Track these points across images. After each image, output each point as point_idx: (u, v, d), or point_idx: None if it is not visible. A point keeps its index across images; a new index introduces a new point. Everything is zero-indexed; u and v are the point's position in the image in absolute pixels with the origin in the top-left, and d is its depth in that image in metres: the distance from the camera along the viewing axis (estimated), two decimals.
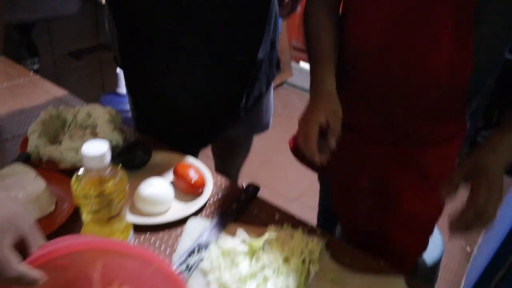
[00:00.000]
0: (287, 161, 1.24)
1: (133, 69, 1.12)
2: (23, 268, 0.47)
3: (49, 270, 0.50)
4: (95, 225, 0.61)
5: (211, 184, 0.90)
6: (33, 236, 0.51)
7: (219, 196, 0.90)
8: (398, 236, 0.91)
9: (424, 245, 0.95)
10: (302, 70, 3.28)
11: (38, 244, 0.51)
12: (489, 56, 0.77)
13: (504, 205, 1.78)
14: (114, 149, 0.95)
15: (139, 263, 0.54)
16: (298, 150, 1.06)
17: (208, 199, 0.87)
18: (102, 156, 0.56)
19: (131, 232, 0.65)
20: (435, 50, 0.73)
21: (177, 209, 0.84)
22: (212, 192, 0.89)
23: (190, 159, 0.97)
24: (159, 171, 0.93)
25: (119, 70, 2.13)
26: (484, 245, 1.80)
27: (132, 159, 0.93)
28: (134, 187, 0.86)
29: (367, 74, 0.84)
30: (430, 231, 0.94)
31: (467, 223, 0.67)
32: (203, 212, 0.85)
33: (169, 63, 1.04)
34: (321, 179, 1.20)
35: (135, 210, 0.83)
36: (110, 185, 0.58)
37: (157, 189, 0.82)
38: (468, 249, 1.90)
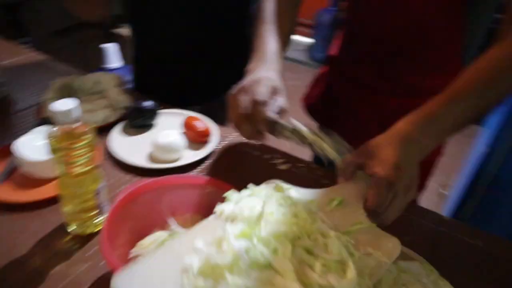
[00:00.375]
0: None
1: (139, 24, 1.22)
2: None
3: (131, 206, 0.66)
4: (68, 178, 0.69)
5: (217, 133, 1.03)
6: None
7: (222, 144, 1.03)
8: None
9: (422, 187, 1.07)
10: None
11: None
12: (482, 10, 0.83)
13: (471, 149, 1.96)
14: (126, 112, 1.07)
15: (194, 190, 0.68)
16: (311, 108, 1.20)
17: (214, 146, 1.00)
18: (69, 111, 0.63)
19: (103, 183, 0.74)
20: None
21: (189, 156, 0.97)
22: (217, 140, 1.02)
23: (197, 114, 1.09)
24: (167, 127, 1.04)
25: (104, 46, 2.20)
26: (455, 186, 1.99)
27: (143, 119, 1.04)
28: (146, 144, 1.00)
29: (372, 30, 0.94)
30: (430, 173, 1.06)
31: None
32: (211, 158, 0.98)
33: (172, 14, 1.15)
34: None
35: (154, 159, 0.95)
36: (79, 140, 0.65)
37: (172, 138, 0.94)
38: (441, 190, 2.09)
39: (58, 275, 0.68)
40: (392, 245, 0.52)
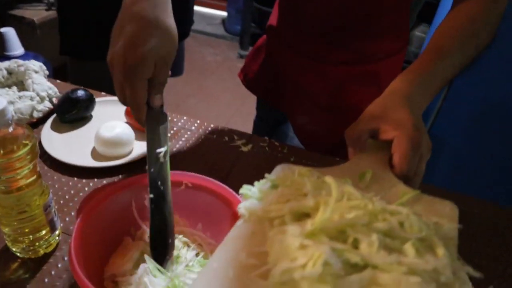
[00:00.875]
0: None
1: None
2: None
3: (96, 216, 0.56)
4: (5, 193, 0.56)
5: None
6: None
7: (175, 132, 0.93)
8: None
9: None
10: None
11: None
12: None
13: None
14: (56, 105, 0.91)
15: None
16: (251, 83, 1.12)
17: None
18: (1, 113, 0.50)
19: (50, 194, 0.61)
20: None
21: (139, 148, 0.85)
22: (169, 127, 0.91)
23: None
24: (107, 118, 0.91)
25: (3, 30, 1.92)
26: None
27: (77, 111, 0.90)
28: (85, 139, 0.86)
29: (316, 7, 0.87)
30: None
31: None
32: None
33: None
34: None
35: (98, 156, 0.82)
36: (18, 146, 0.53)
37: (119, 130, 0.81)
38: None
39: None
40: (450, 208, 0.47)
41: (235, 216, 0.49)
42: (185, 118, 0.97)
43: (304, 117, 1.06)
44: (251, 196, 0.44)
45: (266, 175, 0.47)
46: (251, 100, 1.26)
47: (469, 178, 1.55)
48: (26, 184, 0.57)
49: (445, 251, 0.37)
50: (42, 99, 0.91)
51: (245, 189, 0.45)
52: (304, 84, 1.00)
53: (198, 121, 0.96)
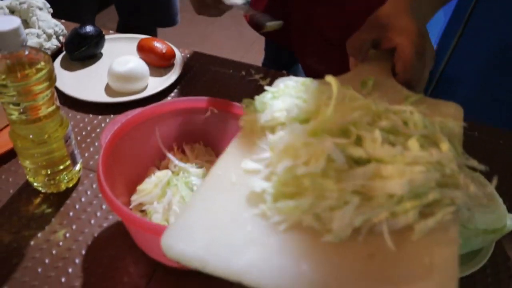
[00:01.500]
0: None
1: None
2: None
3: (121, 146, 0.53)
4: (24, 124, 0.53)
5: (178, 53, 0.88)
6: None
7: (190, 66, 0.89)
8: None
9: None
10: None
11: None
12: None
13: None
14: (64, 42, 0.87)
15: (190, 116, 0.58)
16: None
17: (181, 69, 0.86)
18: (14, 32, 0.47)
19: (69, 126, 0.59)
20: None
21: (154, 84, 0.82)
22: (182, 62, 0.87)
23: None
24: (118, 55, 0.87)
25: None
26: None
27: (87, 48, 0.85)
28: (97, 75, 0.84)
29: None
30: None
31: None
32: (182, 83, 0.84)
33: None
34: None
35: (113, 92, 0.79)
36: (35, 70, 0.49)
37: (132, 64, 0.78)
38: None
39: (33, 251, 0.55)
40: (454, 108, 0.45)
41: None
42: (199, 52, 0.93)
43: (313, 56, 1.01)
44: (252, 108, 0.41)
45: (267, 87, 0.44)
46: (255, 48, 1.22)
47: (486, 118, 1.52)
48: (45, 115, 0.54)
49: (450, 145, 0.36)
50: (49, 37, 0.86)
51: (246, 101, 0.42)
52: (315, 18, 0.95)
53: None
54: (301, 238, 0.31)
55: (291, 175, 0.33)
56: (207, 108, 0.57)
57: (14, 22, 0.47)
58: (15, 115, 0.52)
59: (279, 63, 1.19)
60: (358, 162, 0.34)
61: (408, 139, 0.36)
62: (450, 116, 0.42)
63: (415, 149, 0.35)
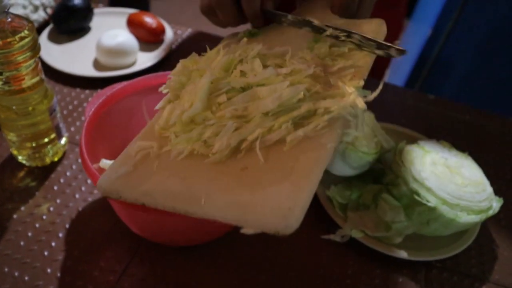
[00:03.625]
0: None
1: None
2: None
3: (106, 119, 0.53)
4: (7, 95, 0.52)
5: (170, 29, 0.87)
6: None
7: (180, 42, 0.87)
8: None
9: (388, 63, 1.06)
10: None
11: None
12: None
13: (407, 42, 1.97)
14: (51, 14, 0.85)
15: None
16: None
17: (171, 45, 0.84)
18: None
19: (54, 98, 0.57)
20: None
21: (143, 59, 0.80)
22: (172, 38, 0.86)
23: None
24: (107, 29, 0.85)
25: None
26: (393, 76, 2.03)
27: (75, 21, 0.83)
28: (86, 49, 0.82)
29: None
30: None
31: None
32: (172, 59, 0.83)
33: None
34: None
35: (101, 66, 0.78)
36: (13, 39, 0.47)
37: (122, 38, 0.76)
38: None
39: (16, 224, 0.54)
40: (375, 25, 0.43)
41: None
42: (189, 30, 0.91)
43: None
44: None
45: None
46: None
47: (480, 101, 1.52)
48: (29, 86, 0.53)
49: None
50: (36, 8, 0.84)
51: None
52: None
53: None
54: (189, 163, 0.36)
55: (181, 119, 0.38)
56: None
57: None
58: None
59: None
60: (245, 90, 0.38)
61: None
62: (371, 32, 0.42)
63: (287, 68, 0.38)
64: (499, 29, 1.41)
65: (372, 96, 0.35)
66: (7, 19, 0.48)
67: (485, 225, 0.60)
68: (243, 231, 0.30)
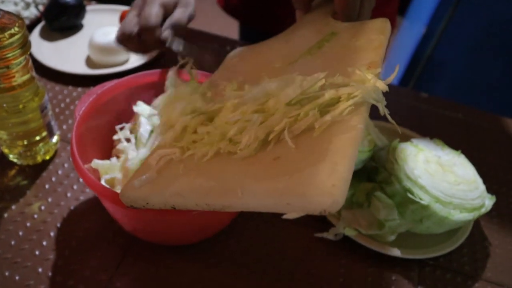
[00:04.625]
0: None
1: None
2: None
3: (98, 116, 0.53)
4: None
5: None
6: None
7: None
8: None
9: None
10: None
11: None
12: None
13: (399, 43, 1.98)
14: (43, 11, 0.84)
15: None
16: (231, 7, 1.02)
17: None
18: None
19: (46, 96, 0.57)
20: None
21: (136, 57, 0.80)
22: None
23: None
24: (100, 27, 0.84)
25: None
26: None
27: (67, 18, 0.83)
28: (78, 47, 0.81)
29: None
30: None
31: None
32: (165, 57, 0.82)
33: None
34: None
35: (93, 64, 0.77)
36: (3, 36, 0.47)
37: (114, 36, 0.75)
38: None
39: (7, 223, 0.54)
40: (379, 24, 0.43)
41: None
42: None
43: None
44: None
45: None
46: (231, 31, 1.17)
47: (473, 99, 1.53)
48: (19, 84, 0.52)
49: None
50: (27, 5, 0.84)
51: None
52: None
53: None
54: (217, 162, 0.36)
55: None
56: (186, 80, 0.56)
57: None
58: None
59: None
60: None
61: None
62: (375, 31, 0.42)
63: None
64: (492, 28, 1.42)
65: (392, 77, 0.35)
66: None
67: (478, 223, 0.60)
68: (285, 216, 0.30)
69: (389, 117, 0.34)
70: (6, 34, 0.47)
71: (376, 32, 0.41)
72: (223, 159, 0.36)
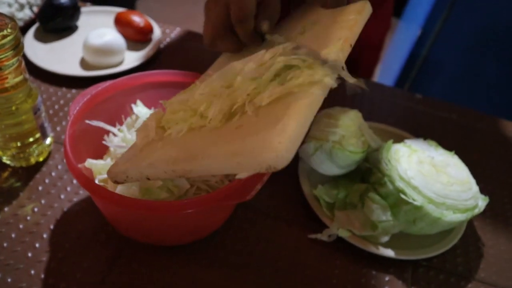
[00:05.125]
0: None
1: None
2: None
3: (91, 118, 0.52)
4: None
5: (157, 28, 0.86)
6: None
7: (168, 42, 0.87)
8: (359, 55, 0.98)
9: (377, 62, 1.05)
10: None
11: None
12: None
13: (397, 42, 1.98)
14: (38, 12, 0.84)
15: (168, 89, 0.55)
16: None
17: (159, 44, 0.84)
18: None
19: (39, 97, 0.57)
20: None
21: (130, 58, 0.80)
22: (160, 37, 0.85)
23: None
24: (94, 28, 0.84)
25: None
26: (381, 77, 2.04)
27: (62, 20, 0.83)
28: (72, 48, 0.81)
29: None
30: (381, 49, 1.03)
31: None
32: (160, 58, 0.82)
33: None
34: None
35: (88, 65, 0.77)
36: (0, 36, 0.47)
37: (109, 37, 0.76)
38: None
39: (1, 225, 0.53)
40: (359, 6, 0.43)
41: None
42: (178, 28, 0.91)
43: None
44: None
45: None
46: None
47: (468, 101, 1.53)
48: (12, 85, 0.52)
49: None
50: (21, 7, 0.83)
51: None
52: None
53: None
54: (190, 135, 0.39)
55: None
56: (180, 81, 0.55)
57: None
58: None
59: None
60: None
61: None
62: (354, 12, 0.43)
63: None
64: (487, 29, 1.43)
65: (336, 84, 0.35)
66: None
67: (471, 223, 0.60)
68: (238, 176, 0.32)
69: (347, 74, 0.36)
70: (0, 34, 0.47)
71: (354, 13, 0.42)
72: (195, 133, 0.39)
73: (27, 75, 0.54)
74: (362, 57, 0.97)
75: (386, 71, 1.97)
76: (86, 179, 0.42)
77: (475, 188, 0.56)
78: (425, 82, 1.61)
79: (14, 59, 0.50)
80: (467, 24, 1.45)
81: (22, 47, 0.51)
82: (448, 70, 1.55)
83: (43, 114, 0.58)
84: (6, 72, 0.50)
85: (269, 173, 0.43)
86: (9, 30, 0.48)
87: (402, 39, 1.88)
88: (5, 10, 0.80)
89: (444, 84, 1.58)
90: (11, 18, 0.50)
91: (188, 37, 0.88)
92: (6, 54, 0.48)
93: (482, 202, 0.56)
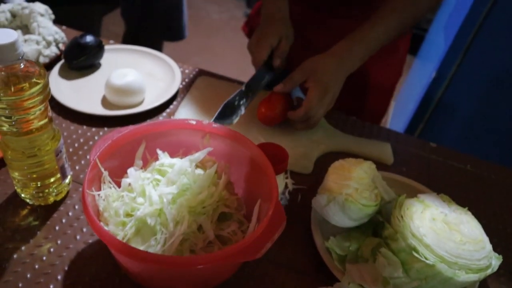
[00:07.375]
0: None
1: None
2: None
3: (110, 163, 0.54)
4: (15, 135, 0.53)
5: (178, 70, 0.89)
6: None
7: (188, 81, 0.89)
8: (370, 101, 0.99)
9: (387, 107, 1.06)
10: None
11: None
12: None
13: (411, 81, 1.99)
14: (63, 50, 0.87)
15: (192, 134, 0.58)
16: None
17: (179, 84, 0.86)
18: (11, 45, 0.47)
19: (61, 140, 0.59)
20: None
21: (151, 98, 0.82)
22: (181, 77, 0.88)
23: (151, 51, 0.93)
24: (117, 66, 0.87)
25: None
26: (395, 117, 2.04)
27: (86, 58, 0.86)
28: (95, 86, 0.84)
29: None
30: (391, 95, 1.04)
31: (296, 122, 0.74)
32: (178, 98, 0.85)
33: None
34: None
35: (109, 104, 0.80)
36: (30, 84, 0.49)
37: (130, 78, 0.78)
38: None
39: (16, 264, 0.54)
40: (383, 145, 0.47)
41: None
42: (196, 69, 0.93)
43: None
44: None
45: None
46: None
47: (481, 147, 1.53)
48: (37, 127, 0.54)
49: None
50: (48, 44, 0.87)
51: None
52: (314, 40, 0.95)
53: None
54: None
55: None
56: (199, 130, 0.57)
57: (11, 36, 0.48)
58: (6, 126, 0.52)
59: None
60: None
61: None
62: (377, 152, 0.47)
63: None
64: (502, 75, 1.43)
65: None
66: (20, 65, 0.49)
67: (485, 281, 0.59)
68: None
69: None
70: (28, 83, 0.49)
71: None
72: None
73: (50, 114, 0.56)
74: (372, 102, 0.99)
75: (399, 111, 1.97)
76: (101, 229, 0.43)
77: (488, 247, 0.55)
78: (437, 126, 1.61)
79: (41, 105, 0.52)
80: (482, 69, 1.46)
81: (49, 94, 0.53)
82: (461, 115, 1.55)
83: (64, 156, 0.60)
84: (32, 117, 0.52)
85: (279, 232, 0.44)
86: (37, 78, 0.50)
87: (416, 79, 1.89)
88: (33, 47, 0.83)
89: (457, 130, 1.57)
90: (40, 65, 0.52)
91: (203, 75, 0.91)
92: (34, 101, 0.50)
93: (495, 261, 0.55)
